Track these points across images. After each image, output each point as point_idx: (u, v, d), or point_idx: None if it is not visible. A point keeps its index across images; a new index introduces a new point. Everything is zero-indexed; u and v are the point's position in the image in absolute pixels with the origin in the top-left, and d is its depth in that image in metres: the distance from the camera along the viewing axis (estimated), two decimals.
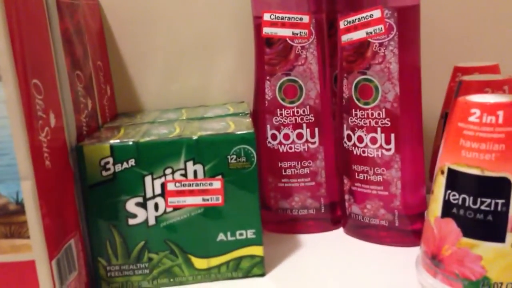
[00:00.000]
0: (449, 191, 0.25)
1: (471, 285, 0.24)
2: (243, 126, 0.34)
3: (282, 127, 0.40)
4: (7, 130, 0.26)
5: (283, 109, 0.40)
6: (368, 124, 0.36)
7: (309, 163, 0.40)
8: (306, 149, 0.40)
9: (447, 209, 0.25)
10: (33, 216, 0.27)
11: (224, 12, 0.45)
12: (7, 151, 0.26)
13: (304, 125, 0.40)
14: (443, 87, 0.40)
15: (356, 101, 0.36)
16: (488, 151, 0.24)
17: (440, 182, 0.26)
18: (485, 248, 0.24)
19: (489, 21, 0.46)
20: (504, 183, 0.23)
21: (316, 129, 0.40)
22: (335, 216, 0.42)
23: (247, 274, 0.35)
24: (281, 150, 0.40)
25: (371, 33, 0.35)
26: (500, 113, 0.23)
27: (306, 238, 0.41)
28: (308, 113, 0.40)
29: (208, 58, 0.46)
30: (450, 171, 0.25)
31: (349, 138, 0.38)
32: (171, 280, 0.34)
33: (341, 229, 0.41)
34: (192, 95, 0.46)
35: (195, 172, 0.33)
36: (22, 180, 0.27)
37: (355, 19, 0.35)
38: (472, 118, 0.24)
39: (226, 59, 0.46)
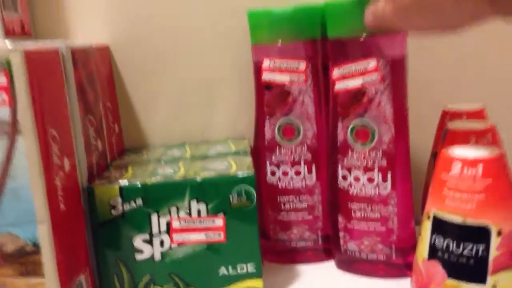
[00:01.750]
0: (434, 235, 0.27)
1: None
2: (244, 167, 0.37)
3: (281, 164, 0.42)
4: (26, 179, 0.28)
5: (281, 148, 0.42)
6: (365, 165, 0.38)
7: (307, 197, 0.43)
8: (304, 185, 0.42)
9: (433, 252, 0.27)
10: (48, 257, 0.29)
11: (226, 55, 0.47)
12: (25, 197, 0.29)
13: (302, 162, 0.42)
14: (433, 127, 0.43)
15: (353, 143, 0.39)
16: (469, 200, 0.26)
17: (427, 226, 0.28)
18: None
19: (474, 64, 0.48)
20: (484, 230, 0.25)
21: (313, 166, 0.42)
22: (330, 247, 0.44)
23: None
24: (280, 186, 0.43)
25: (367, 81, 0.37)
26: (480, 166, 0.26)
27: (304, 269, 0.43)
28: (305, 151, 0.42)
29: (210, 97, 0.48)
30: (435, 217, 0.27)
31: (345, 178, 0.40)
32: None
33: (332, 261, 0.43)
34: (196, 131, 0.49)
35: (198, 211, 0.35)
36: (38, 223, 0.29)
37: (351, 68, 0.37)
38: (454, 171, 0.26)
39: (228, 99, 0.48)
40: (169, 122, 0.49)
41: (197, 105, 0.48)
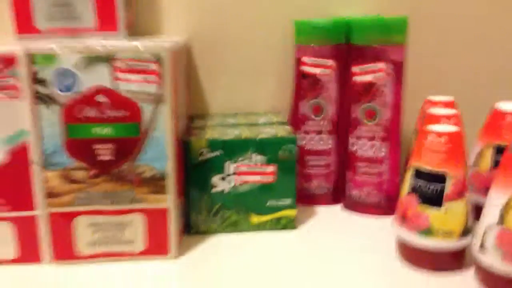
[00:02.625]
0: (412, 179, 0.45)
1: (421, 232, 0.44)
2: (288, 132, 0.53)
3: (310, 133, 0.59)
4: (163, 131, 0.45)
5: (310, 121, 0.59)
6: (370, 135, 0.56)
7: (325, 157, 0.60)
8: (324, 149, 0.60)
9: (411, 189, 0.45)
10: (170, 182, 0.46)
11: (272, 49, 0.64)
12: (162, 143, 0.45)
13: (324, 132, 0.59)
14: (417, 111, 0.60)
15: (362, 120, 0.56)
16: (436, 157, 0.43)
17: (409, 173, 0.45)
18: (431, 211, 0.43)
19: (450, 65, 0.66)
20: (443, 176, 0.43)
21: (332, 135, 0.59)
22: (338, 195, 0.61)
23: (284, 227, 0.54)
24: (307, 148, 0.60)
25: (376, 77, 0.54)
26: (444, 137, 0.43)
27: (319, 209, 0.60)
28: (327, 124, 0.59)
29: (257, 81, 0.65)
30: (415, 167, 0.45)
31: (354, 144, 0.57)
32: (235, 228, 0.53)
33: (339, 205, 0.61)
34: (244, 105, 0.65)
35: (257, 160, 0.52)
36: (167, 160, 0.46)
37: (366, 67, 0.54)
38: (429, 139, 0.43)
39: (269, 83, 0.65)
40: (224, 96, 0.65)
41: (246, 86, 0.65)
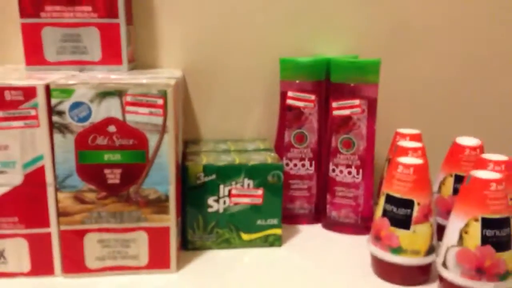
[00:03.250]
0: (385, 204, 0.52)
1: (393, 250, 0.50)
2: (275, 159, 0.60)
3: (293, 159, 0.66)
4: (166, 158, 0.51)
5: (294, 149, 0.66)
6: (347, 163, 0.62)
7: (307, 182, 0.66)
8: (307, 174, 0.66)
9: (384, 213, 0.52)
10: (172, 204, 0.52)
11: (260, 84, 0.70)
12: (165, 168, 0.51)
13: (306, 159, 0.66)
14: (388, 142, 0.67)
15: (340, 149, 0.63)
16: (405, 186, 0.50)
17: (382, 199, 0.52)
18: (400, 232, 0.50)
19: (417, 99, 0.74)
20: (411, 202, 0.50)
21: (313, 162, 0.66)
22: (319, 215, 0.68)
23: (271, 245, 0.60)
24: (291, 173, 0.66)
25: (353, 112, 0.61)
26: (411, 168, 0.50)
27: (301, 227, 0.66)
28: (309, 152, 0.65)
29: (245, 111, 0.71)
30: (387, 194, 0.51)
31: (333, 170, 0.64)
32: (228, 245, 0.59)
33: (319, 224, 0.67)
34: (233, 132, 0.71)
35: (248, 184, 0.58)
36: (170, 184, 0.51)
37: (344, 103, 0.61)
38: (399, 170, 0.50)
39: (257, 112, 0.71)
40: (215, 123, 0.71)
41: (236, 115, 0.71)
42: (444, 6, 0.72)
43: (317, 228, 0.67)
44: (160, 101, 0.50)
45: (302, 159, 0.66)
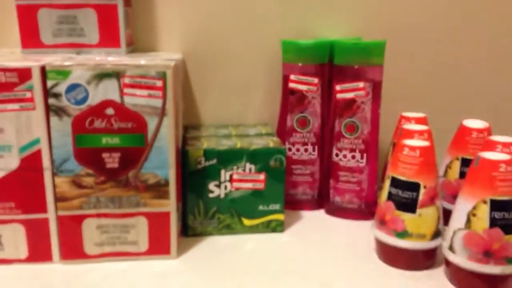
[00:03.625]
0: (390, 187, 0.50)
1: (398, 234, 0.49)
2: (277, 144, 0.58)
3: (295, 144, 0.64)
4: (165, 141, 0.49)
5: (297, 133, 0.64)
6: (351, 147, 0.61)
7: (310, 167, 0.65)
8: (309, 159, 0.65)
9: (389, 196, 0.50)
10: (172, 188, 0.51)
11: (262, 67, 0.69)
12: (164, 152, 0.49)
13: (309, 143, 0.64)
14: (393, 125, 0.66)
15: (344, 133, 0.61)
16: (410, 168, 0.49)
17: (387, 182, 0.51)
18: (406, 216, 0.49)
19: (423, 84, 0.72)
20: (417, 184, 0.48)
21: (316, 146, 0.65)
22: (322, 201, 0.66)
23: (273, 230, 0.59)
24: (293, 158, 0.65)
25: (357, 95, 0.60)
26: (417, 150, 0.48)
27: (304, 213, 0.65)
28: (312, 136, 0.64)
29: (247, 95, 0.70)
30: (392, 177, 0.50)
31: (337, 155, 0.62)
32: (229, 231, 0.58)
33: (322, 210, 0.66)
34: (234, 117, 0.70)
35: (250, 169, 0.57)
36: (169, 168, 0.50)
37: (348, 86, 0.60)
38: (404, 152, 0.49)
39: (258, 97, 0.70)
40: (216, 108, 0.70)
41: (237, 100, 0.70)
42: None
43: (320, 213, 0.66)
44: (159, 83, 0.48)
45: (305, 143, 0.64)
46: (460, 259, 0.46)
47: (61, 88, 0.47)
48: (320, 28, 0.69)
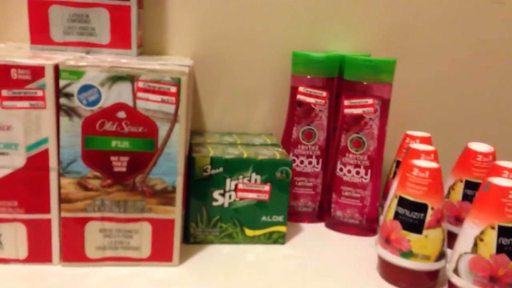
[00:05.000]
0: (397, 206, 0.50)
1: (403, 254, 0.49)
2: (284, 155, 0.58)
3: (300, 156, 0.64)
4: (175, 148, 0.49)
5: (302, 145, 0.64)
6: (356, 163, 0.61)
7: (313, 179, 0.65)
8: (313, 171, 0.65)
9: (396, 215, 0.51)
10: (179, 195, 0.50)
11: (268, 77, 0.69)
12: (173, 159, 0.49)
13: (314, 156, 0.64)
14: (396, 142, 0.66)
15: (350, 148, 0.61)
16: (419, 189, 0.49)
17: (394, 201, 0.51)
18: (412, 236, 0.49)
19: (427, 102, 0.73)
20: (424, 206, 0.49)
21: (320, 160, 0.65)
22: (322, 214, 0.66)
23: (274, 242, 0.59)
24: (297, 170, 0.65)
25: (365, 111, 0.60)
26: (427, 172, 0.49)
27: (304, 225, 0.65)
28: (317, 149, 0.64)
29: (253, 105, 0.70)
30: (400, 196, 0.50)
31: (341, 169, 0.62)
32: (231, 240, 0.58)
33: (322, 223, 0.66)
34: (239, 125, 0.70)
35: (255, 179, 0.57)
36: (177, 175, 0.49)
37: (357, 101, 0.60)
38: (413, 173, 0.49)
39: (264, 107, 0.70)
40: (222, 115, 0.69)
41: (243, 108, 0.69)
42: (458, 6, 0.71)
43: (320, 227, 0.66)
44: (173, 89, 0.48)
45: (309, 156, 0.64)
46: (465, 283, 0.46)
47: (74, 89, 0.47)
48: (329, 42, 0.69)
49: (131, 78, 0.47)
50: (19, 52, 0.53)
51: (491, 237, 0.45)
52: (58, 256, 0.50)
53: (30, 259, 0.50)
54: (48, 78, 0.46)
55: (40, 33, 0.57)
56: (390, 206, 0.52)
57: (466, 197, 0.58)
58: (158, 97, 0.48)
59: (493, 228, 0.45)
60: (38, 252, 0.50)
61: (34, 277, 0.48)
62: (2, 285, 0.46)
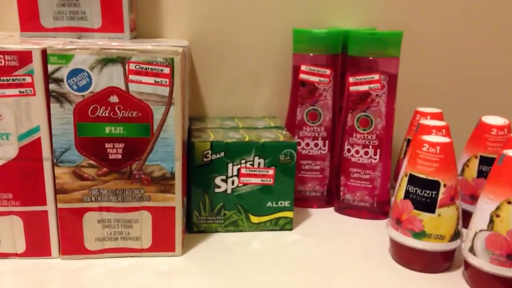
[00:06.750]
0: (408, 185, 0.48)
1: (415, 235, 0.47)
2: (288, 137, 0.56)
3: (305, 138, 0.62)
4: (172, 132, 0.47)
5: (307, 127, 0.62)
6: (364, 143, 0.59)
7: (320, 162, 0.63)
8: (319, 154, 0.62)
9: (407, 195, 0.48)
10: (178, 182, 0.48)
11: (270, 57, 0.66)
12: (170, 144, 0.47)
13: (320, 138, 0.62)
14: (406, 121, 0.63)
15: (357, 128, 0.59)
16: (430, 166, 0.46)
17: (405, 180, 0.48)
18: (424, 216, 0.46)
19: (437, 79, 0.69)
20: (436, 183, 0.46)
21: (327, 141, 0.62)
22: (331, 198, 0.64)
23: (281, 228, 0.56)
24: (303, 152, 0.62)
25: (372, 87, 0.57)
26: (438, 147, 0.46)
27: (312, 211, 0.63)
28: (323, 130, 0.62)
29: (255, 87, 0.67)
30: (410, 174, 0.48)
31: (349, 150, 0.60)
32: (235, 228, 0.56)
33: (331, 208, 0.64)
34: (241, 109, 0.67)
35: (258, 163, 0.54)
36: (176, 161, 0.47)
37: (362, 78, 0.57)
38: (423, 149, 0.46)
39: (267, 89, 0.67)
40: (223, 100, 0.67)
41: (244, 91, 0.67)
42: None
43: (329, 211, 0.63)
44: (166, 70, 0.46)
45: (315, 138, 0.62)
46: (481, 262, 0.44)
47: (63, 74, 0.45)
48: (332, 18, 0.66)
49: (122, 60, 0.45)
50: (9, 40, 0.51)
51: (508, 213, 0.42)
52: (57, 249, 0.48)
53: (29, 253, 0.48)
54: (36, 63, 0.44)
55: (29, 20, 0.55)
56: (401, 185, 0.49)
57: (482, 174, 0.55)
58: (151, 79, 0.46)
59: (509, 203, 0.42)
60: (36, 246, 0.48)
61: (33, 271, 0.46)
62: (2, 281, 0.45)
